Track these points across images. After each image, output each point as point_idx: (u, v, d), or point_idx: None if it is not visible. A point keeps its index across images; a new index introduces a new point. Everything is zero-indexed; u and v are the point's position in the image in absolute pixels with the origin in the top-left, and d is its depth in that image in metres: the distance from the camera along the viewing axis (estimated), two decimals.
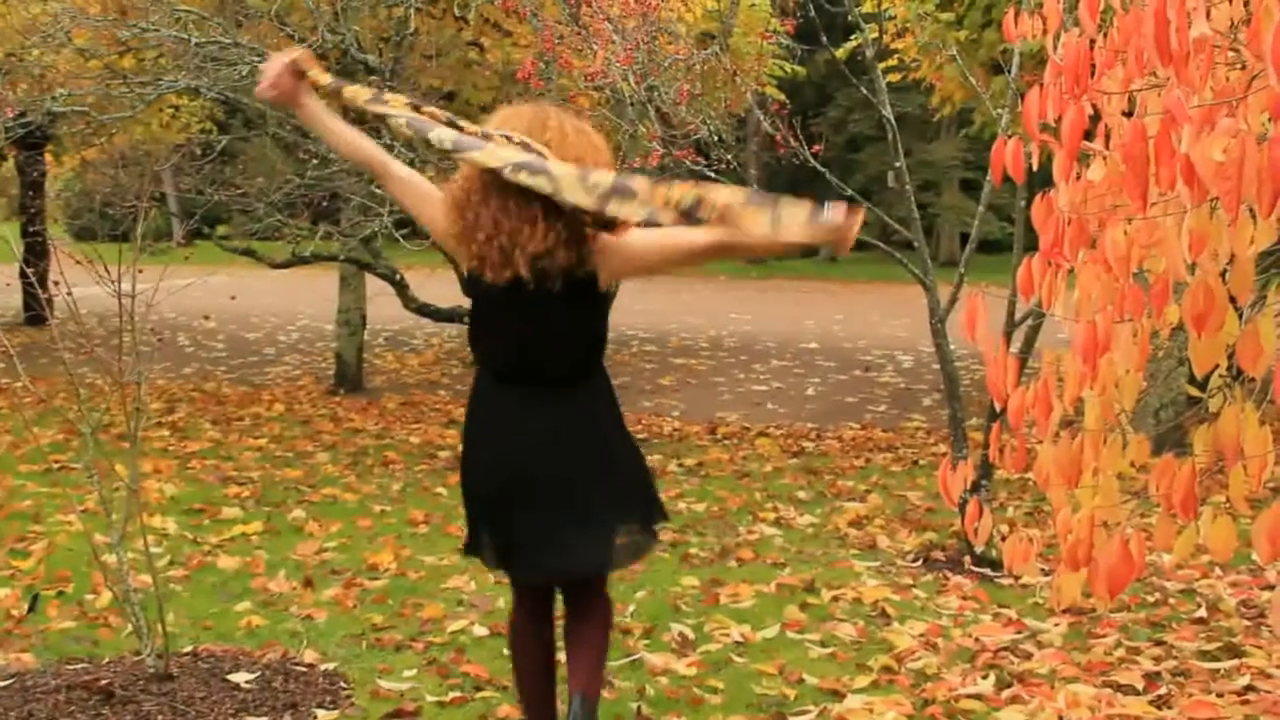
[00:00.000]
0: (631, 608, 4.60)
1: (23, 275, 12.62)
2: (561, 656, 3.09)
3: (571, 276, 2.78)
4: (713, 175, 6.12)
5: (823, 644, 4.23)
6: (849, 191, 5.86)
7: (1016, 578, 4.86)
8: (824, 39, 5.99)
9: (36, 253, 13.28)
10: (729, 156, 6.26)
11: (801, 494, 6.72)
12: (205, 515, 6.02)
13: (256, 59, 6.86)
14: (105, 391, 4.11)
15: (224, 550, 5.39)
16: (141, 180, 7.82)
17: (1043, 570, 4.72)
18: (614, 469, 2.92)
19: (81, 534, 4.68)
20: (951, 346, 5.39)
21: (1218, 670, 3.92)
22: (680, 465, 7.45)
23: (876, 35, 6.45)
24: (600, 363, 2.97)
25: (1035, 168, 2.50)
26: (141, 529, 3.87)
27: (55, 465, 6.73)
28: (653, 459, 7.44)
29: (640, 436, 8.22)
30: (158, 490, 6.37)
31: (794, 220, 2.64)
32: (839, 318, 17.36)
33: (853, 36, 8.56)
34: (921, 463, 7.56)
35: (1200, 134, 1.89)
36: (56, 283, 3.93)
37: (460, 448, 3.04)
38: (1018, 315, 5.11)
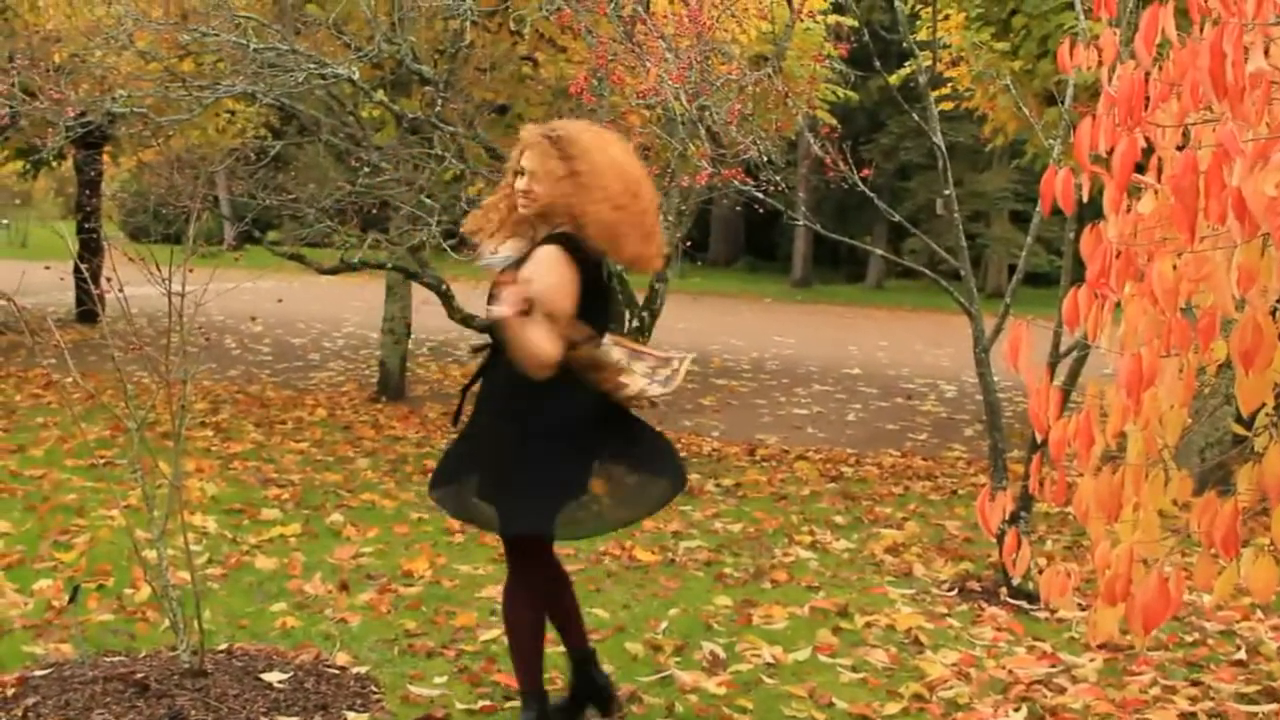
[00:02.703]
0: (664, 624, 4.61)
1: (76, 272, 12.77)
2: None
3: None
4: (762, 195, 6.13)
5: (854, 669, 4.21)
6: (897, 218, 5.86)
7: (1053, 611, 4.82)
8: (878, 65, 5.99)
9: (91, 250, 13.47)
10: (778, 178, 6.26)
11: (838, 518, 6.69)
12: (245, 515, 6.08)
13: (313, 66, 6.95)
14: (152, 390, 4.17)
15: (262, 551, 5.44)
16: (196, 183, 7.92)
17: (1080, 605, 4.67)
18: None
19: (123, 529, 4.74)
20: (995, 377, 5.36)
21: (1256, 714, 3.86)
22: (718, 485, 7.44)
23: (930, 63, 6.45)
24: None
25: (1085, 199, 2.49)
26: (182, 526, 3.91)
27: (101, 461, 6.83)
28: (691, 478, 7.43)
29: (680, 457, 8.21)
30: (199, 489, 6.45)
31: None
32: (883, 344, 17.29)
33: (906, 64, 8.55)
34: (961, 492, 7.51)
35: (1253, 168, 1.88)
36: (109, 279, 3.99)
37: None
38: (1062, 347, 5.07)
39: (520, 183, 3.31)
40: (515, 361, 3.21)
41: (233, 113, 11.33)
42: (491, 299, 3.21)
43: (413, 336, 11.24)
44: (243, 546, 5.49)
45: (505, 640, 3.54)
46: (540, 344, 3.15)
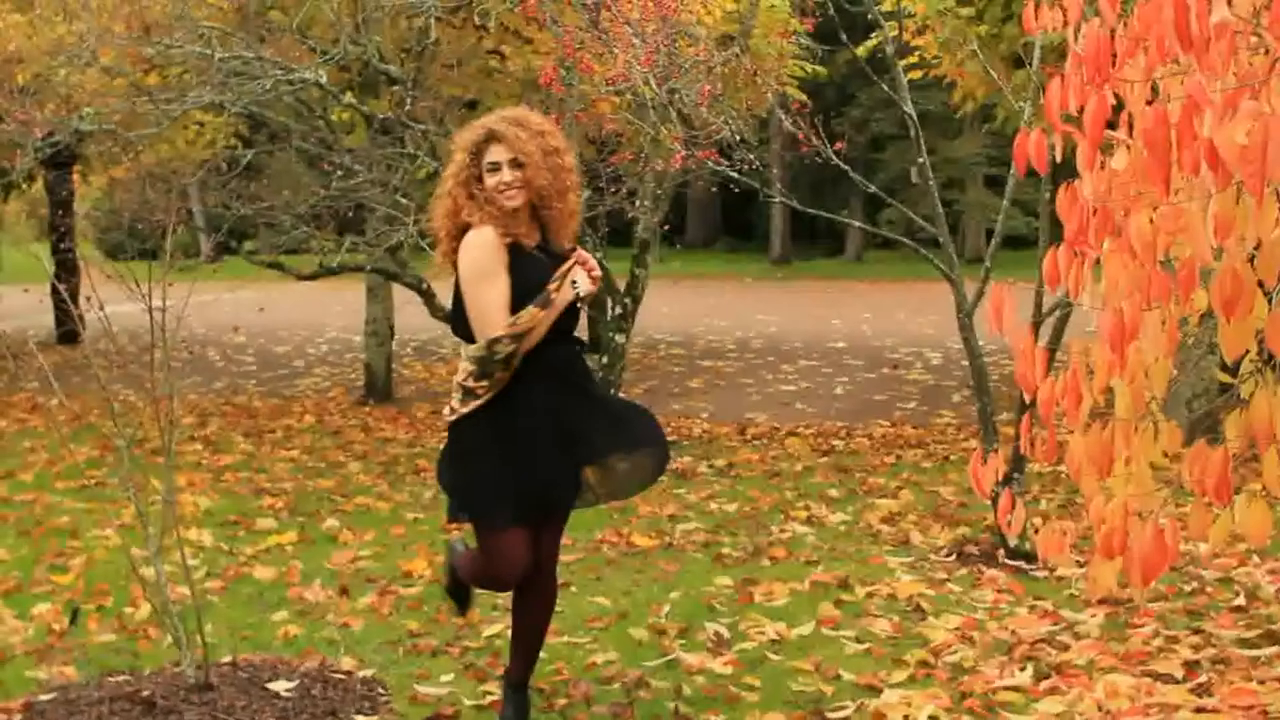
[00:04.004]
0: (666, 608, 4.62)
1: (54, 293, 12.73)
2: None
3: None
4: (736, 175, 6.13)
5: (858, 640, 4.23)
6: (873, 189, 5.86)
7: (1051, 569, 4.85)
8: (844, 38, 5.99)
9: (68, 270, 13.40)
10: (751, 157, 6.26)
11: (833, 492, 6.72)
12: (240, 527, 6.08)
13: (279, 72, 6.92)
14: (139, 407, 4.17)
15: (260, 561, 5.44)
16: (168, 197, 7.89)
17: (1077, 562, 4.70)
18: None
19: (119, 548, 4.74)
20: (980, 341, 5.38)
21: (1258, 657, 3.89)
22: (710, 466, 7.45)
23: (896, 33, 6.45)
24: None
25: (1059, 159, 2.51)
26: (178, 542, 3.91)
27: (91, 481, 6.80)
28: (683, 460, 7.47)
29: (670, 439, 8.23)
30: (193, 503, 6.43)
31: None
32: (866, 316, 17.32)
33: (873, 35, 8.55)
34: (952, 458, 7.54)
35: (1223, 118, 1.89)
36: (89, 298, 3.98)
37: None
38: (1045, 307, 5.09)
39: (505, 175, 3.26)
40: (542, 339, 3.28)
41: (201, 124, 11.27)
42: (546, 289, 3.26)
43: (396, 337, 11.22)
44: (240, 558, 5.49)
45: (509, 629, 3.61)
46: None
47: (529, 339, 3.24)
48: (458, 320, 3.35)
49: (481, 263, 3.24)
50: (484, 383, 3.25)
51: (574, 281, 3.32)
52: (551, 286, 3.27)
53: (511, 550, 3.31)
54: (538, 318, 3.23)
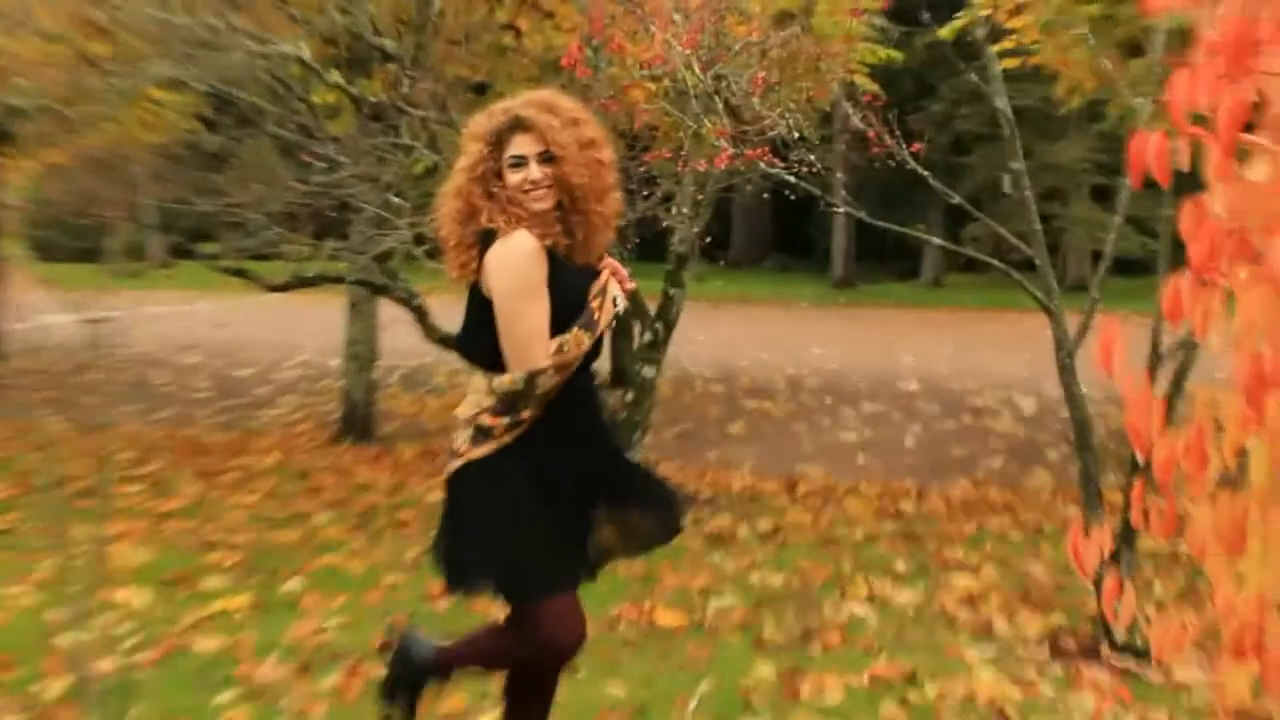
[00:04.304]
0: (694, 702, 4.57)
1: None
2: None
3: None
4: (793, 179, 6.11)
5: None
6: (956, 199, 5.83)
7: (1167, 671, 4.77)
8: (926, 17, 5.98)
9: None
10: (811, 158, 6.24)
11: (900, 565, 6.66)
12: (182, 587, 6.05)
13: (253, 44, 6.95)
14: (67, 438, 4.16)
15: (203, 629, 5.41)
16: (114, 188, 7.93)
17: (1201, 664, 4.63)
18: None
19: (30, 610, 4.72)
20: (1083, 387, 5.33)
21: None
22: (752, 529, 7.40)
23: (989, 12, 6.43)
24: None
25: (1185, 168, 2.46)
26: (105, 603, 3.89)
27: (2, 527, 6.80)
28: (720, 521, 7.42)
29: (705, 494, 8.20)
30: (126, 556, 6.41)
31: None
32: (945, 353, 17.25)
33: (960, 14, 8.54)
34: (1047, 529, 7.48)
35: None
36: (15, 307, 3.98)
37: None
38: (1163, 347, 5.04)
39: (532, 172, 3.23)
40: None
41: (158, 103, 11.35)
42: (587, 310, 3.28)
43: (380, 363, 11.24)
44: (180, 625, 5.46)
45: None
46: None
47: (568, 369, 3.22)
48: (476, 344, 3.30)
49: (526, 278, 3.18)
50: (505, 419, 3.21)
51: (615, 298, 3.30)
52: (594, 304, 3.24)
53: (572, 616, 3.27)
54: (584, 344, 3.20)
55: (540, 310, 3.18)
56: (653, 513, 3.46)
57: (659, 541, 3.57)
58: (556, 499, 3.25)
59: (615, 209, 3.38)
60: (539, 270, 3.18)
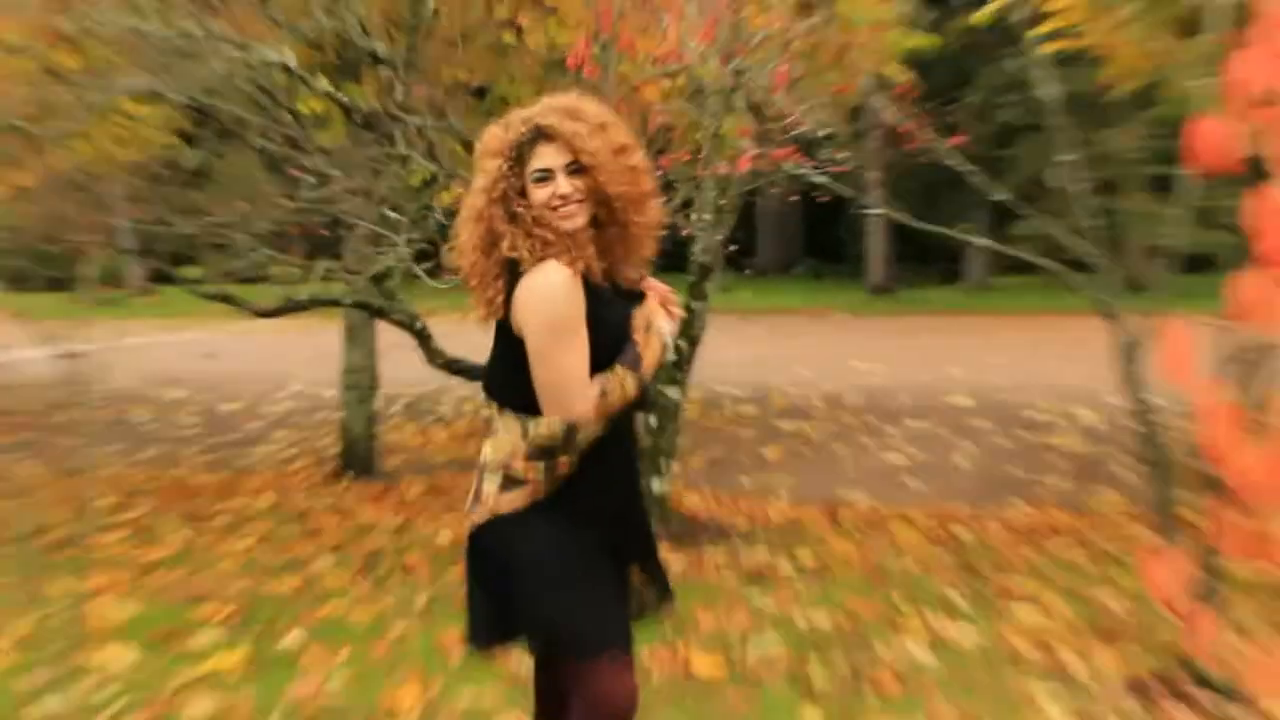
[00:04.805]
0: None
1: None
2: None
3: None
4: (823, 180, 6.08)
5: None
6: (1001, 196, 5.79)
7: (1263, 710, 4.71)
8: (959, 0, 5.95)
9: None
10: (841, 156, 6.21)
11: (957, 599, 6.61)
12: (172, 644, 6.03)
13: (234, 51, 6.96)
14: (42, 483, 4.14)
15: (194, 691, 5.38)
16: (88, 211, 7.93)
17: None
18: None
19: (4, 672, 4.69)
20: (1151, 395, 5.28)
21: None
22: (794, 563, 7.36)
23: None
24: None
25: (1248, 155, 2.42)
26: (84, 666, 3.86)
27: None
28: (758, 555, 7.38)
29: (742, 528, 8.15)
30: (109, 612, 6.40)
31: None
32: (995, 362, 17.20)
33: None
34: (1118, 554, 7.41)
35: None
36: None
37: None
38: (1235, 349, 4.98)
39: (561, 186, 3.12)
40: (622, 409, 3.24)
41: (132, 117, 11.39)
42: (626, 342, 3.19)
43: (382, 392, 11.23)
44: (168, 687, 5.43)
45: None
46: None
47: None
48: (507, 385, 3.23)
49: (561, 314, 3.08)
50: (539, 464, 3.17)
51: (662, 332, 3.23)
52: (637, 339, 3.17)
53: (630, 678, 3.25)
54: (629, 388, 3.14)
55: (579, 350, 3.09)
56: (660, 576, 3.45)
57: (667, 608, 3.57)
58: (598, 549, 3.22)
59: (656, 218, 3.28)
60: (575, 304, 3.08)
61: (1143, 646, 5.64)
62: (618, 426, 3.21)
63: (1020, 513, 8.70)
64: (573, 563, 3.17)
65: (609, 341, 3.13)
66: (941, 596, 6.67)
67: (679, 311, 3.34)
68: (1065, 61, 11.12)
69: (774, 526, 8.43)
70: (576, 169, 3.11)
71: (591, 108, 3.21)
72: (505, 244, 3.12)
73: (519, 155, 3.14)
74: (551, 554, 3.17)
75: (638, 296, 3.23)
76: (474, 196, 3.20)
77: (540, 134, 3.13)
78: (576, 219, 3.12)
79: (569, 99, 3.26)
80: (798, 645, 5.87)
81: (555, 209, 3.11)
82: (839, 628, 6.17)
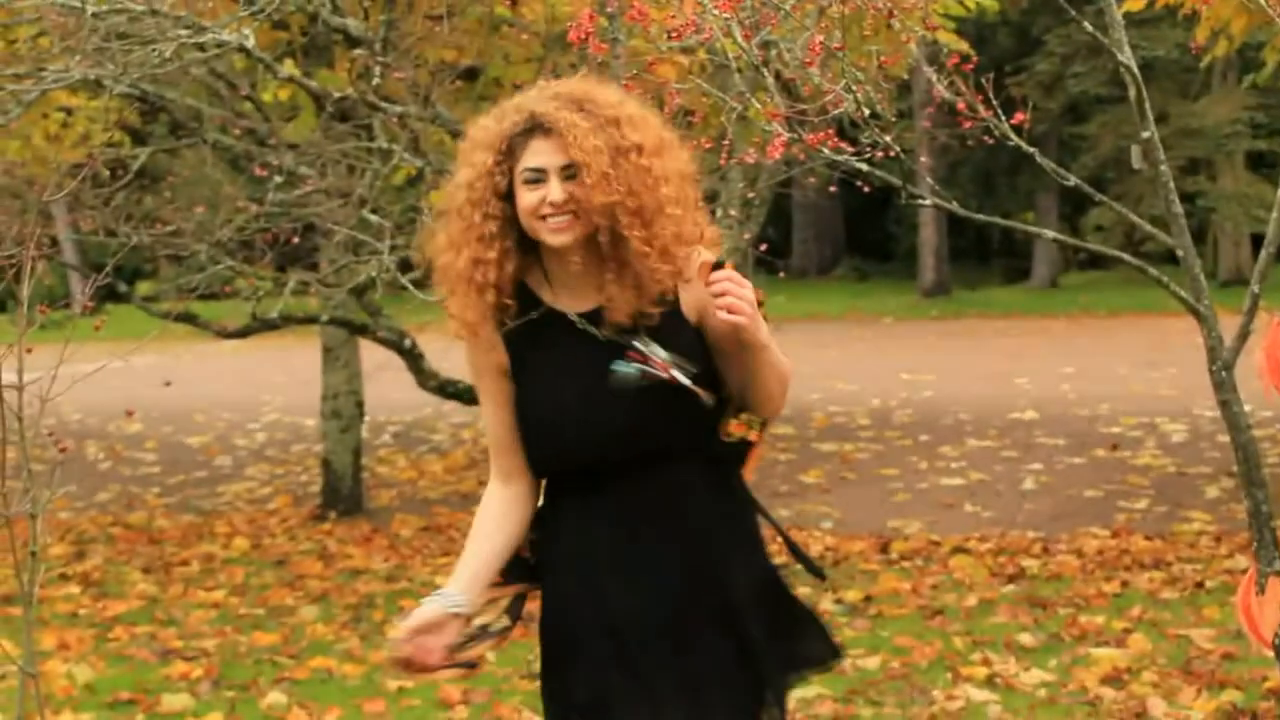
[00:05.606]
0: None
1: None
2: None
3: None
4: (865, 167, 6.12)
5: None
6: (1072, 181, 5.82)
7: None
8: None
9: None
10: (887, 139, 6.25)
11: (1025, 638, 6.63)
12: (138, 709, 6.08)
13: (185, 32, 7.00)
14: None
15: None
16: (23, 219, 7.99)
17: None
18: None
19: None
20: (1247, 405, 5.30)
21: None
22: (839, 601, 7.39)
23: None
24: None
25: None
26: None
27: None
28: (798, 592, 7.38)
29: (778, 560, 8.18)
30: (66, 675, 6.44)
31: None
32: (1067, 371, 17.16)
33: None
34: (1210, 585, 7.42)
35: None
36: None
37: None
38: None
39: (553, 191, 2.82)
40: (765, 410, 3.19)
41: (69, 111, 11.43)
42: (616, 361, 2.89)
43: (368, 419, 11.28)
44: None
45: None
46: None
47: None
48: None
49: (469, 362, 3.05)
50: None
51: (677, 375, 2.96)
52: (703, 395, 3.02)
53: None
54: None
55: (485, 408, 3.04)
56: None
57: None
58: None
59: (675, 232, 2.90)
60: (478, 360, 3.01)
61: (1238, 687, 5.65)
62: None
63: (1096, 541, 8.69)
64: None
65: (545, 395, 2.96)
66: (1007, 635, 6.67)
67: (738, 318, 2.95)
68: (1147, 21, 11.12)
69: (817, 559, 8.45)
70: (574, 173, 2.82)
71: (606, 97, 2.93)
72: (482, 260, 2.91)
73: (509, 149, 2.88)
74: None
75: (649, 331, 2.91)
76: (454, 192, 2.98)
77: (536, 125, 2.86)
78: (565, 233, 2.85)
79: (580, 84, 3.01)
80: (845, 691, 5.89)
81: (543, 218, 2.84)
82: (890, 671, 6.19)
